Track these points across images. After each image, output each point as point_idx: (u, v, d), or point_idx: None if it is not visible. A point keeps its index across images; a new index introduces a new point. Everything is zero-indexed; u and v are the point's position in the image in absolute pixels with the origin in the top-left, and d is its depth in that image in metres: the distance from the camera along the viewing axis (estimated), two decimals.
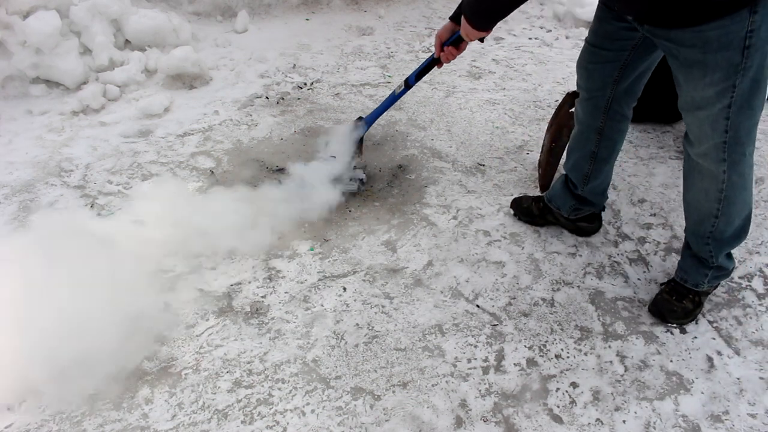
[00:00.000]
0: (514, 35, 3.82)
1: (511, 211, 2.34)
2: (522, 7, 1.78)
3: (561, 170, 2.44)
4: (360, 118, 2.54)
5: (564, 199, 2.17)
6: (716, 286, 1.99)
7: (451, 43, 1.93)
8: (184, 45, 3.28)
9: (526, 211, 2.29)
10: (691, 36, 1.50)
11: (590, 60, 1.87)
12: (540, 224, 2.29)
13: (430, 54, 2.11)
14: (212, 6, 3.88)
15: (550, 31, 3.91)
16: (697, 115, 1.63)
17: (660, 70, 1.92)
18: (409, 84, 2.24)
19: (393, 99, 2.34)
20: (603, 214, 2.28)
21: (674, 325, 1.92)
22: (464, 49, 1.97)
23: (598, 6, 1.81)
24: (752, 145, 1.68)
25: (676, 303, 1.91)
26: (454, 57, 1.97)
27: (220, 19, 3.89)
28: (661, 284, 2.03)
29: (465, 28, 1.79)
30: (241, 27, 3.76)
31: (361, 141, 2.52)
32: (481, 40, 1.85)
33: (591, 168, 2.06)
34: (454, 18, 1.88)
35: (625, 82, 1.86)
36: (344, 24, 3.92)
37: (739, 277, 2.11)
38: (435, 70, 2.20)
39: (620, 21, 1.72)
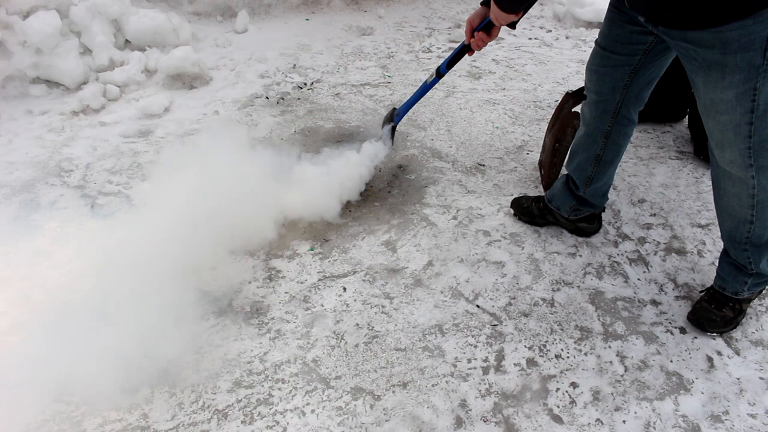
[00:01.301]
0: (514, 35, 3.82)
1: (512, 211, 2.34)
2: None
3: (563, 170, 2.44)
4: (394, 109, 2.52)
5: (564, 200, 2.16)
6: (760, 292, 1.93)
7: (482, 28, 1.88)
8: (184, 45, 3.28)
9: (526, 211, 2.29)
10: (710, 36, 1.45)
11: (601, 63, 1.84)
12: (540, 224, 2.29)
13: (461, 42, 2.05)
14: (212, 6, 3.88)
15: (550, 31, 3.91)
16: (719, 120, 1.58)
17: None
18: (440, 73, 2.19)
19: (425, 89, 2.30)
20: (603, 214, 2.28)
21: (675, 327, 1.92)
22: (496, 36, 1.92)
23: (609, 8, 1.77)
24: None
25: (716, 311, 1.86)
26: (485, 44, 1.92)
27: (220, 19, 3.89)
28: (700, 291, 1.99)
29: (494, 11, 1.76)
30: (241, 27, 3.76)
31: (393, 131, 2.49)
32: (513, 26, 1.81)
33: (594, 170, 2.05)
34: (486, 2, 1.84)
35: (636, 86, 1.83)
36: (344, 24, 3.92)
37: None
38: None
39: (632, 24, 1.68)
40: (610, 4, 1.76)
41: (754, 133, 1.55)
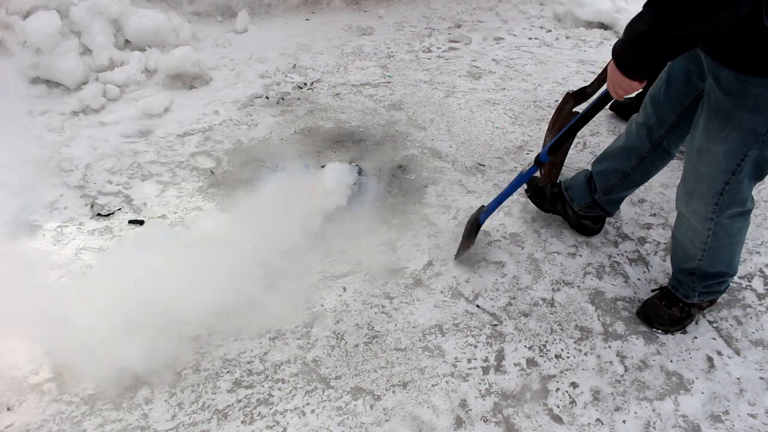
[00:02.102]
0: (514, 35, 3.82)
1: (512, 210, 2.34)
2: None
3: (581, 164, 2.43)
4: (482, 207, 2.19)
5: (581, 195, 2.14)
6: (711, 302, 1.95)
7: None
8: (184, 45, 3.28)
9: (540, 191, 2.25)
10: (733, 80, 1.42)
11: (657, 92, 1.81)
12: (546, 209, 2.26)
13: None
14: (212, 6, 3.88)
15: (550, 31, 3.90)
16: (699, 170, 1.60)
17: None
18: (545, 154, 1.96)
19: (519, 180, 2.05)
20: None
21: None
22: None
23: None
24: (745, 207, 1.64)
25: (665, 309, 1.90)
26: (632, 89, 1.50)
27: (220, 19, 3.89)
28: (653, 290, 2.02)
29: (613, 76, 1.47)
30: (241, 27, 3.76)
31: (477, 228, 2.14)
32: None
33: (617, 184, 2.04)
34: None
35: (682, 127, 1.80)
36: (344, 24, 3.92)
37: (739, 277, 2.11)
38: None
39: (693, 62, 1.64)
40: None
41: (725, 193, 1.58)
